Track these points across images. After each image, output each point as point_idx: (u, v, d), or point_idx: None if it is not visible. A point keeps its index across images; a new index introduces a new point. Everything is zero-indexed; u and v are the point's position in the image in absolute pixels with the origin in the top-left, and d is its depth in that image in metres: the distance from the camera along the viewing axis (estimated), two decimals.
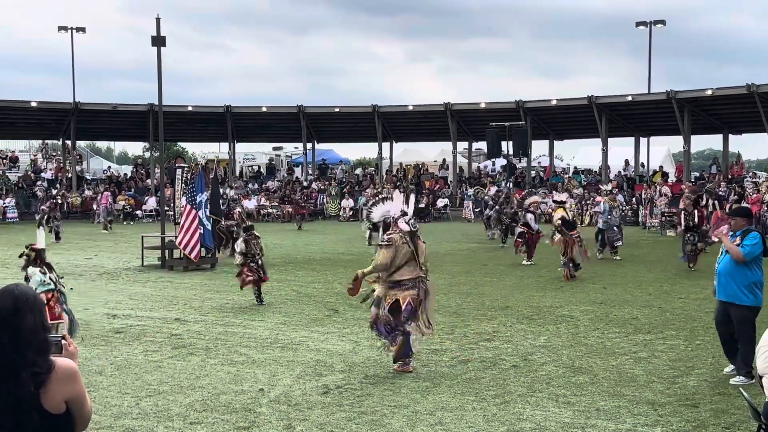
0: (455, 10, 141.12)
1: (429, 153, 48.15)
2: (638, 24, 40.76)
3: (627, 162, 37.97)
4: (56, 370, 2.78)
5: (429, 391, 7.58)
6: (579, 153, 47.06)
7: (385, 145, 39.93)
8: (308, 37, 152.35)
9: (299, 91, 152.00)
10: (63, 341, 2.98)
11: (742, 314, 7.82)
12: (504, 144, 30.76)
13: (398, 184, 38.00)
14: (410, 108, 38.22)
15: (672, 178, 35.24)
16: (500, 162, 34.11)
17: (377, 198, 9.82)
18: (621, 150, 39.86)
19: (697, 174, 37.42)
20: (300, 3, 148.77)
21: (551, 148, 39.26)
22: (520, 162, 36.88)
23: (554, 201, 20.27)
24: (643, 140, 38.06)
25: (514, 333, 10.37)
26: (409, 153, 46.90)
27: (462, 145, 40.50)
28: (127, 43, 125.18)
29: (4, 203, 34.04)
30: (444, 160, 41.70)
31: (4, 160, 42.31)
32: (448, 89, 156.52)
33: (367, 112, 38.02)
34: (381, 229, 9.51)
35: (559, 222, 16.06)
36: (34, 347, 2.75)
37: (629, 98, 33.99)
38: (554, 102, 35.32)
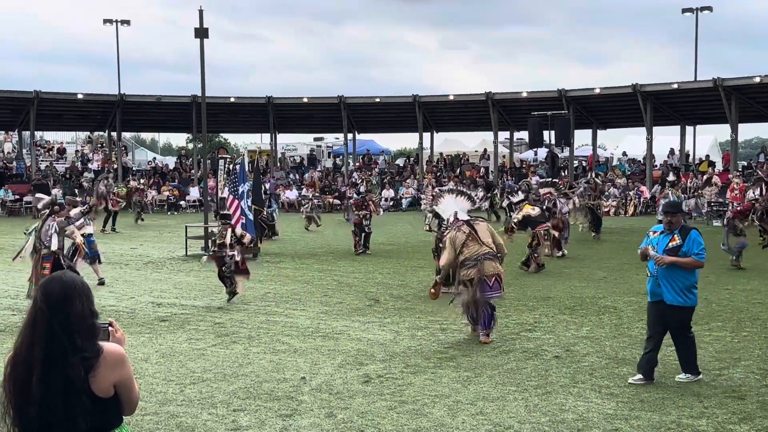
0: None
1: (470, 143, 47.94)
2: (684, 11, 39.98)
3: (672, 151, 37.34)
4: (105, 355, 2.84)
5: (470, 381, 7.57)
6: (623, 142, 46.40)
7: (426, 135, 39.84)
8: (343, 27, 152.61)
9: (336, 81, 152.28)
10: (110, 327, 3.05)
11: (686, 316, 7.40)
12: (546, 133, 30.47)
13: (439, 174, 37.96)
14: (451, 98, 38.05)
15: (719, 168, 34.57)
16: (542, 151, 33.76)
17: (444, 191, 11.12)
18: (666, 139, 39.20)
19: (745, 163, 36.66)
20: None
21: (594, 137, 38.78)
22: (562, 152, 36.51)
23: (513, 203, 20.02)
24: (689, 129, 37.37)
25: (556, 324, 10.29)
26: (449, 143, 46.74)
27: (503, 135, 40.23)
28: (167, 34, 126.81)
29: (53, 194, 34.74)
30: (485, 150, 41.47)
31: (52, 152, 43.22)
32: (484, 77, 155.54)
33: (408, 102, 37.96)
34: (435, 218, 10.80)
35: (519, 219, 15.77)
36: (83, 333, 2.81)
37: (675, 86, 33.37)
38: (597, 90, 34.84)
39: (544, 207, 16.90)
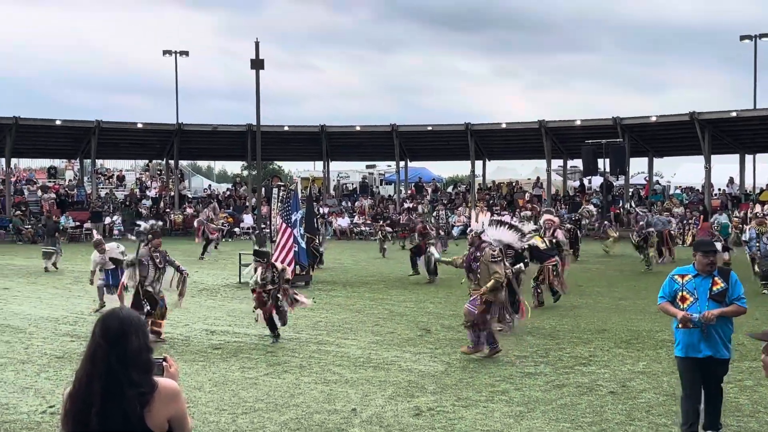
0: (541, 24, 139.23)
1: (522, 170, 47.68)
2: (743, 38, 39.29)
3: (731, 180, 36.50)
4: (160, 390, 2.88)
5: (523, 416, 7.45)
6: (680, 170, 45.54)
7: (478, 163, 39.77)
8: (394, 56, 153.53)
9: (387, 109, 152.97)
10: (164, 363, 3.09)
11: (727, 370, 6.66)
12: (600, 161, 30.12)
13: (491, 202, 37.76)
14: (503, 126, 37.96)
15: None
16: (597, 180, 33.37)
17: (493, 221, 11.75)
18: (725, 167, 38.32)
19: None
20: (384, 21, 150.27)
21: (650, 165, 38.18)
22: (617, 180, 36.02)
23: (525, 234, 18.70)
24: (748, 157, 36.52)
25: (612, 357, 10.09)
26: (502, 171, 46.56)
27: (556, 163, 39.90)
28: (222, 64, 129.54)
29: (112, 220, 35.59)
30: (538, 177, 41.18)
31: (112, 179, 44.35)
32: (537, 105, 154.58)
33: (460, 131, 37.98)
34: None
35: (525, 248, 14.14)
36: (139, 367, 2.86)
37: (734, 114, 32.70)
38: (654, 119, 34.36)
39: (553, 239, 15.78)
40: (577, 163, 38.25)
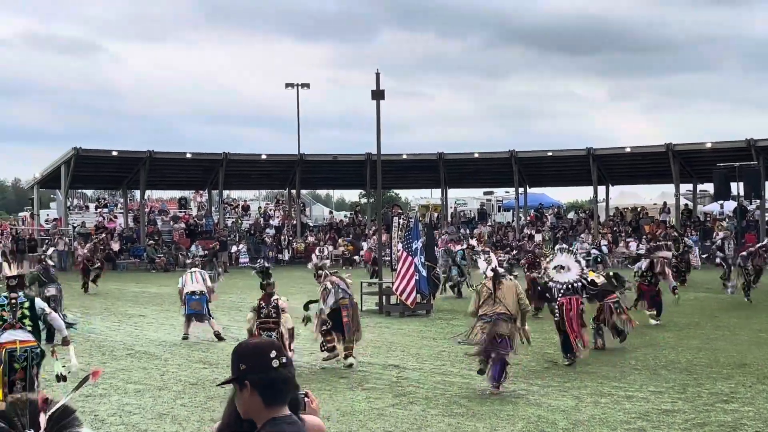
0: (658, 45, 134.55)
1: (647, 195, 46.03)
2: None
3: None
4: (306, 428, 2.89)
5: None
6: None
7: (600, 188, 38.72)
8: (505, 81, 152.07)
9: (500, 135, 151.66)
10: (306, 398, 3.10)
11: None
12: (733, 185, 28.70)
13: (615, 229, 36.64)
14: (627, 150, 36.86)
15: None
16: (729, 204, 31.78)
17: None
18: None
19: None
20: (492, 47, 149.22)
21: None
22: (751, 204, 34.19)
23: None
24: None
25: (755, 394, 9.48)
26: (625, 196, 45.07)
27: (684, 187, 38.30)
28: (332, 94, 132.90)
29: (238, 249, 36.82)
30: (664, 203, 39.63)
31: (237, 209, 45.98)
32: (658, 127, 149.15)
33: (581, 155, 37.16)
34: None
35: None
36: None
37: None
38: None
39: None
40: (707, 186, 36.57)
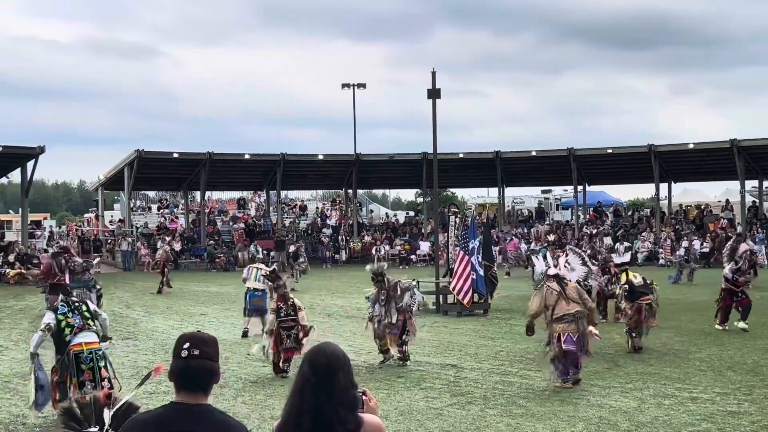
0: (718, 39, 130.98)
1: (710, 192, 44.90)
2: None
3: None
4: (365, 427, 2.90)
5: None
6: None
7: (662, 186, 37.92)
8: (562, 78, 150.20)
9: (559, 132, 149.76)
10: (364, 396, 3.11)
11: None
12: None
13: (677, 227, 35.83)
14: (690, 146, 36.02)
15: None
16: None
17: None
18: None
19: None
20: (549, 44, 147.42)
21: None
22: None
23: (616, 264, 16.43)
24: None
25: None
26: (688, 193, 44.05)
27: (750, 184, 37.24)
28: (387, 94, 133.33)
29: (296, 248, 37.13)
30: (727, 200, 38.59)
31: (295, 209, 46.44)
32: (720, 123, 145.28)
33: (642, 152, 36.45)
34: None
35: (626, 288, 13.07)
36: (346, 404, 2.89)
37: None
38: None
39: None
40: None
